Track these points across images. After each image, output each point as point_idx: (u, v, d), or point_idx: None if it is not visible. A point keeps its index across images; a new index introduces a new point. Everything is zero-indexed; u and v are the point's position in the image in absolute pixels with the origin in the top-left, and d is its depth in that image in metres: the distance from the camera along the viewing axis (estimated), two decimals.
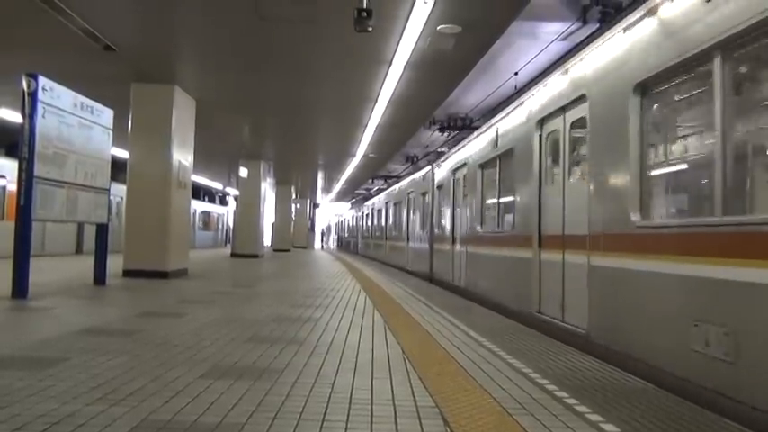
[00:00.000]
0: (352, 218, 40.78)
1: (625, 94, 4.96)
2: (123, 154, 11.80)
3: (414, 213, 17.36)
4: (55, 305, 6.51)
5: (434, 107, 12.27)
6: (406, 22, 7.15)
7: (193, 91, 11.11)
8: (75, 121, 7.79)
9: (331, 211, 56.43)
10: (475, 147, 10.43)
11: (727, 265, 3.58)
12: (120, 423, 2.59)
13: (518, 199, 7.87)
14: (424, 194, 15.64)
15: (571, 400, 3.21)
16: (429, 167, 15.21)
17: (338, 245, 55.40)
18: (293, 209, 32.71)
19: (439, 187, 13.77)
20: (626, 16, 5.17)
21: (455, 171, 11.95)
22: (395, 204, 21.12)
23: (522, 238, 7.53)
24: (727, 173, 3.79)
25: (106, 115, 8.71)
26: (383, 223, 24.40)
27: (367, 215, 30.82)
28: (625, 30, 5.09)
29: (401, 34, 7.54)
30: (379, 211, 25.61)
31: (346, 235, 46.25)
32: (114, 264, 9.71)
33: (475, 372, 3.83)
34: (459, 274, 11.23)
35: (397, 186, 21.48)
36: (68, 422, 2.59)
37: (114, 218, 19.05)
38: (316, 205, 45.15)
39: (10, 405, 2.79)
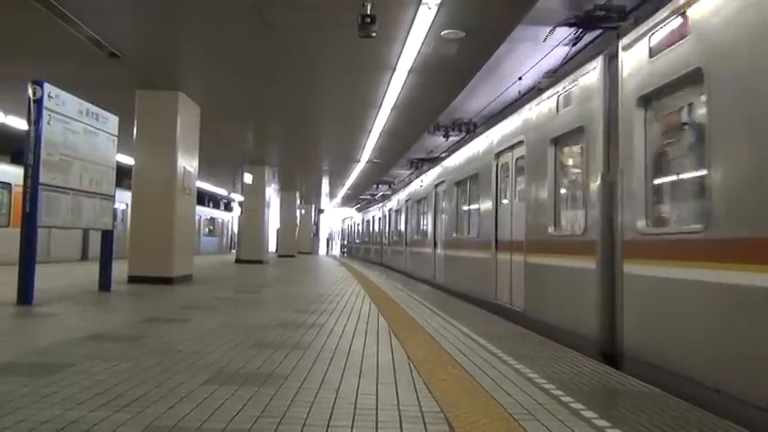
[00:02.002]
0: (373, 218, 30.43)
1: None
2: (128, 160, 11.85)
3: (498, 196, 9.31)
4: (60, 311, 6.52)
5: (438, 112, 12.29)
6: (409, 28, 7.17)
7: (198, 97, 11.15)
8: (80, 128, 7.82)
9: (337, 216, 55.99)
10: None
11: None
12: (125, 429, 2.59)
13: None
14: (537, 150, 7.40)
15: (577, 405, 3.19)
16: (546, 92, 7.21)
17: (345, 252, 49.11)
18: (298, 214, 32.74)
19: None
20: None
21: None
22: (451, 188, 12.70)
23: None
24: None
25: (111, 122, 8.75)
26: (425, 221, 16.22)
27: (397, 211, 21.74)
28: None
29: (405, 40, 7.56)
30: (420, 201, 16.86)
31: (365, 240, 34.77)
32: (119, 270, 9.74)
33: (480, 377, 3.81)
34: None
35: (453, 158, 12.81)
36: (73, 428, 2.58)
37: (119, 224, 19.16)
38: (320, 211, 45.20)
39: (14, 411, 2.79)
